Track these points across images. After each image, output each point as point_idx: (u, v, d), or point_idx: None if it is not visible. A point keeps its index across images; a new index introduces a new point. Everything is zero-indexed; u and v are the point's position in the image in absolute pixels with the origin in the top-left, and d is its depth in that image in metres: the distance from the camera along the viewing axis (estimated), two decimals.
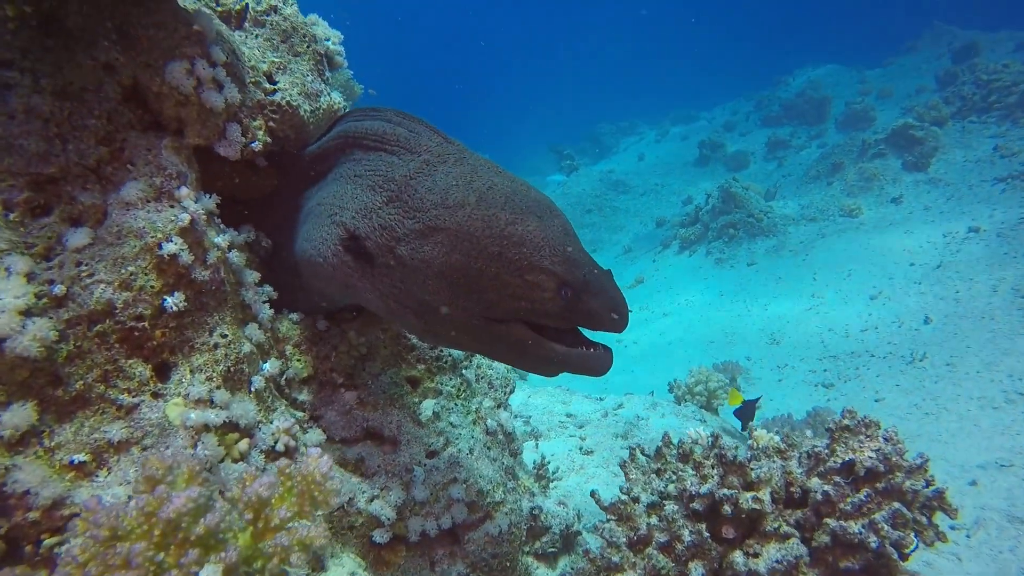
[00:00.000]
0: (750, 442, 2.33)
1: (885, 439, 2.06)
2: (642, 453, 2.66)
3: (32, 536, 1.65)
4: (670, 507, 2.10)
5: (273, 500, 1.39)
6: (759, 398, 5.81)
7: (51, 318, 1.78)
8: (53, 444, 1.75)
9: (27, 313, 1.71)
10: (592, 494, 2.46)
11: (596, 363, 1.89)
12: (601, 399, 5.80)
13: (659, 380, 9.40)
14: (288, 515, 1.38)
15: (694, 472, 2.17)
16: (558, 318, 1.87)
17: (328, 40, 3.67)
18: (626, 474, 2.45)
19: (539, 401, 5.42)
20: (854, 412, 2.15)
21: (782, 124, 20.45)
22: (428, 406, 2.97)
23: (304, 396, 2.75)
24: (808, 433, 2.28)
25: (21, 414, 1.68)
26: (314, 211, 2.37)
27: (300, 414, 2.70)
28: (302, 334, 2.79)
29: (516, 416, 5.11)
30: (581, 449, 4.60)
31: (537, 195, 2.03)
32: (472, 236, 1.88)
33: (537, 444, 4.55)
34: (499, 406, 3.34)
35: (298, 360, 2.76)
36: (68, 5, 1.93)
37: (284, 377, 2.71)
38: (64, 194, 1.98)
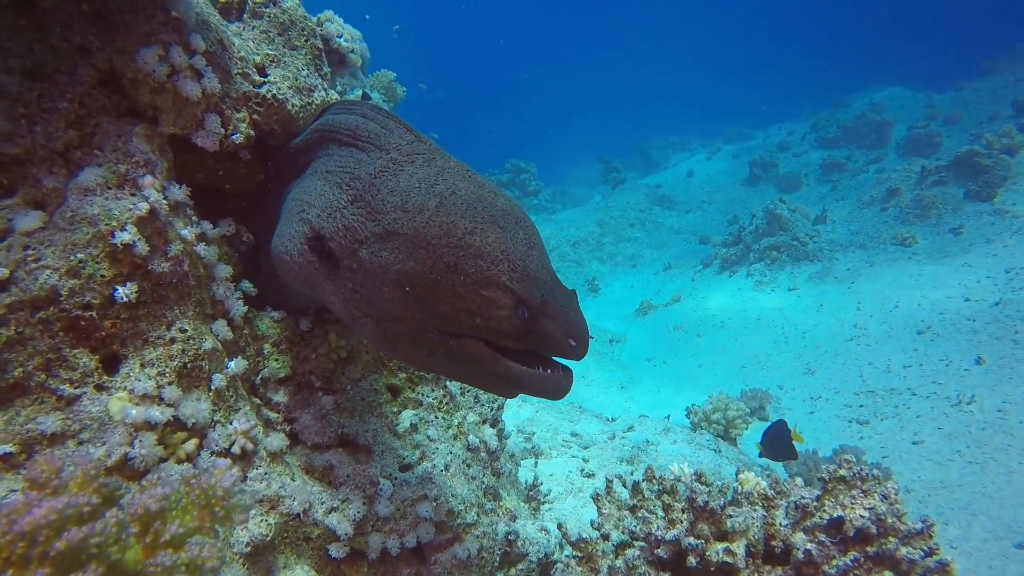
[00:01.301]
0: (735, 485, 2.13)
1: (883, 496, 1.83)
2: (622, 485, 2.47)
3: None
4: (633, 551, 1.92)
5: (166, 513, 1.29)
6: (788, 425, 5.32)
7: None
8: None
9: None
10: (559, 527, 2.30)
11: (553, 386, 1.74)
12: (612, 420, 5.58)
13: (685, 402, 9.10)
14: (180, 531, 1.28)
15: (663, 514, 1.98)
16: (514, 339, 1.73)
17: (340, 37, 3.62)
18: (598, 508, 2.27)
19: (546, 418, 5.25)
20: (851, 461, 1.93)
21: (839, 146, 19.70)
22: (407, 417, 2.86)
23: (280, 397, 2.67)
24: (799, 481, 2.06)
25: None
26: (287, 206, 2.30)
27: (274, 415, 2.62)
28: (282, 333, 2.71)
29: (518, 432, 4.95)
30: (583, 471, 4.41)
31: (505, 204, 1.89)
32: (428, 244, 1.76)
33: (536, 463, 4.39)
34: (484, 422, 3.20)
35: (276, 360, 2.69)
36: None
37: (260, 376, 2.64)
38: (29, 176, 1.94)
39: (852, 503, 1.82)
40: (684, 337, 11.96)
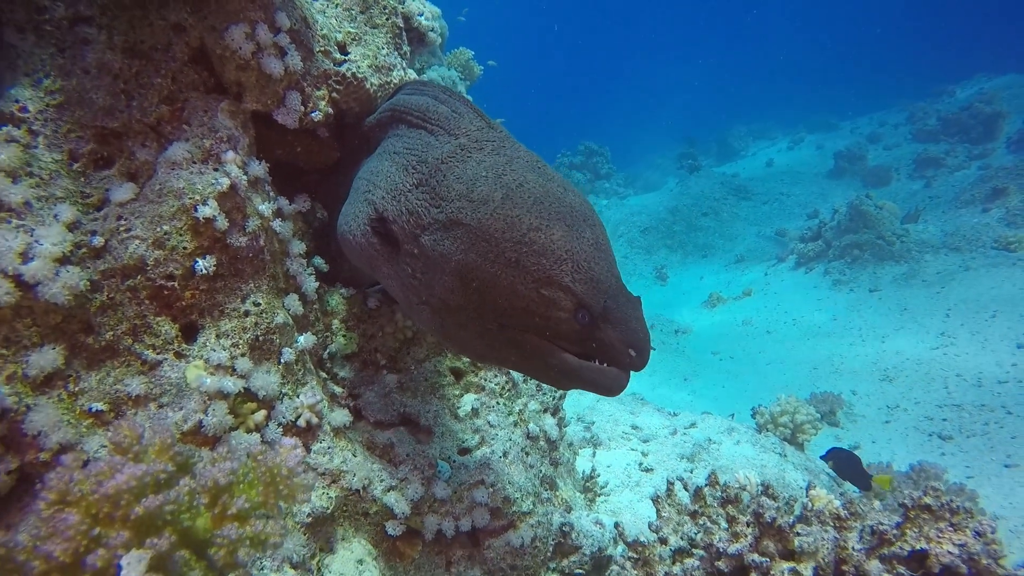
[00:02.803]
0: (805, 501, 2.01)
1: (976, 533, 1.68)
2: (684, 487, 2.39)
3: (42, 475, 1.71)
4: (692, 561, 1.85)
5: (234, 487, 1.33)
6: (860, 461, 5.03)
7: (87, 268, 1.83)
8: (77, 389, 1.80)
9: (63, 261, 1.76)
10: (616, 525, 2.25)
11: (610, 381, 1.68)
12: (674, 415, 5.45)
13: (750, 400, 8.78)
14: (247, 506, 1.31)
15: (727, 525, 1.90)
16: (571, 342, 1.67)
17: (422, 15, 3.60)
18: (658, 510, 2.21)
19: (607, 407, 5.17)
20: (939, 490, 1.78)
21: (937, 140, 18.28)
22: (468, 401, 2.87)
23: (346, 372, 2.73)
24: (876, 504, 1.92)
25: (48, 356, 1.74)
26: (355, 185, 2.31)
27: (339, 390, 2.68)
28: (350, 310, 2.76)
29: (578, 420, 4.90)
30: (641, 465, 4.32)
31: (574, 199, 1.82)
32: (491, 237, 1.71)
33: (595, 453, 4.33)
34: (546, 410, 3.17)
35: (343, 336, 2.74)
36: None
37: (327, 351, 2.70)
38: (125, 149, 2.03)
39: (939, 536, 1.68)
40: (753, 332, 11.54)
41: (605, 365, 1.66)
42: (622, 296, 1.69)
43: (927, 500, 1.78)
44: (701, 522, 2.07)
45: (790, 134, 24.76)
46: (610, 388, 1.68)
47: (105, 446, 1.81)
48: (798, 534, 1.81)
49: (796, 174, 20.17)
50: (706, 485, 2.29)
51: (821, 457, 5.02)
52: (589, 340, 1.64)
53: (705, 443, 4.65)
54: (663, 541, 2.10)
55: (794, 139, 23.64)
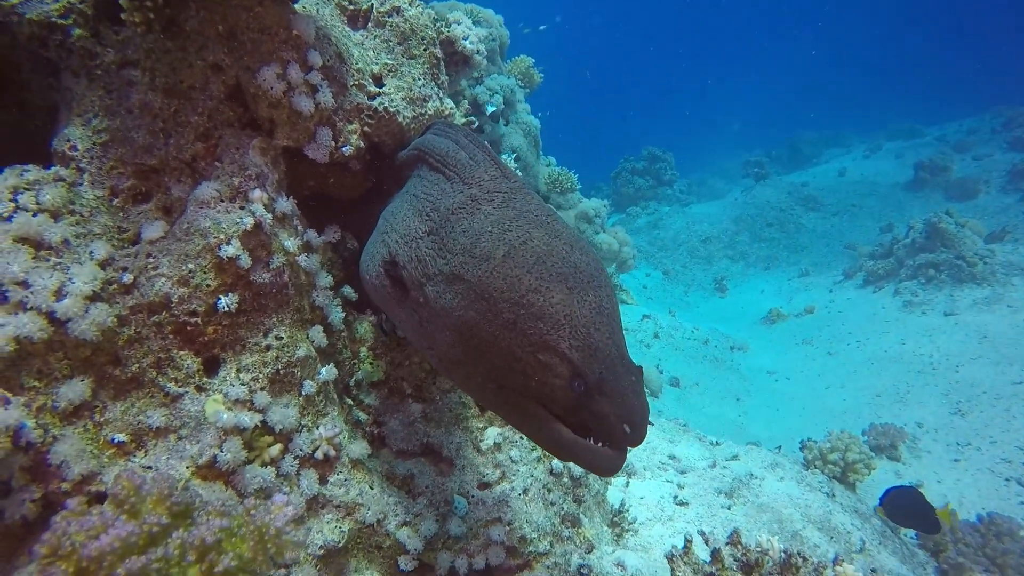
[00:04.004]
0: (831, 574, 1.89)
1: None
2: (705, 541, 2.29)
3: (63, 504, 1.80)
4: None
5: (224, 543, 1.35)
6: (921, 495, 4.64)
7: (116, 303, 1.91)
8: (103, 420, 1.88)
9: (93, 298, 1.84)
10: None
11: (603, 462, 1.61)
12: (716, 444, 5.25)
13: (805, 427, 8.38)
14: (233, 564, 1.33)
15: None
16: (566, 410, 1.62)
17: (467, 39, 3.61)
18: (672, 569, 2.12)
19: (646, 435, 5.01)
20: None
21: None
22: (491, 434, 2.84)
23: (372, 400, 2.76)
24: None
25: (77, 388, 1.82)
26: (379, 223, 2.33)
27: (364, 416, 2.71)
28: (378, 338, 2.78)
29: None
30: (676, 498, 4.18)
31: (580, 259, 1.75)
32: (490, 296, 1.68)
33: (628, 483, 4.23)
34: None
35: (370, 363, 2.77)
36: (187, 10, 2.03)
37: (354, 379, 2.74)
38: (162, 184, 2.11)
39: None
40: (813, 353, 11.01)
41: (600, 444, 1.60)
42: (621, 366, 1.61)
43: None
44: None
45: (867, 141, 23.52)
46: (603, 469, 1.61)
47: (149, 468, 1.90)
48: None
49: (871, 184, 19.13)
50: (726, 544, 2.19)
51: (876, 507, 4.70)
52: (583, 410, 1.58)
53: (746, 478, 4.46)
54: None
55: (871, 146, 22.43)
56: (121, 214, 2.06)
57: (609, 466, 1.60)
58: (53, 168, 2.00)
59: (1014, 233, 12.70)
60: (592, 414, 1.57)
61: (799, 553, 2.01)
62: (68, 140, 2.04)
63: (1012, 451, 7.34)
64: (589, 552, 2.93)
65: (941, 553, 4.69)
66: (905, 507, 4.62)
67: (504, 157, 7.20)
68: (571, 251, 1.75)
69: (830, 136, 25.08)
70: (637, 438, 1.56)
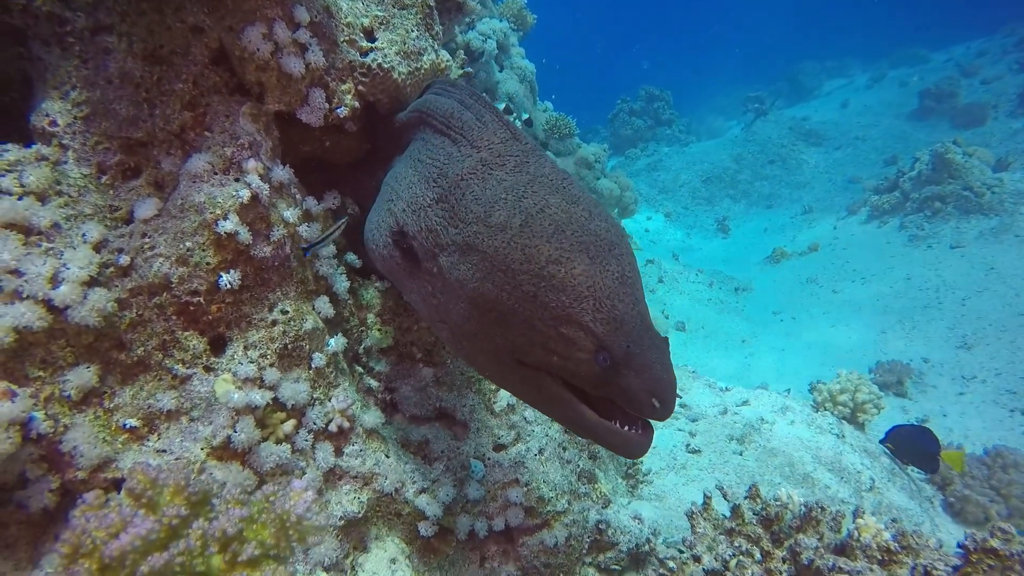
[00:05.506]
0: (851, 527, 1.89)
1: None
2: (724, 496, 2.30)
3: (83, 492, 1.78)
4: None
5: (246, 531, 1.33)
6: (933, 434, 4.66)
7: (115, 287, 1.84)
8: (112, 405, 1.85)
9: (91, 283, 1.78)
10: (650, 537, 2.18)
11: (628, 446, 1.57)
12: (726, 390, 5.28)
13: (811, 367, 8.44)
14: (256, 553, 1.31)
15: (760, 559, 1.80)
16: (591, 385, 1.56)
17: None
18: (693, 526, 2.13)
19: None
20: (1009, 534, 1.63)
21: None
22: (504, 395, 2.82)
23: (382, 367, 2.73)
24: (932, 542, 1.77)
25: (83, 375, 1.78)
26: (382, 190, 2.23)
27: (375, 383, 2.69)
28: (385, 303, 2.73)
29: None
30: (688, 446, 4.22)
31: (600, 226, 1.67)
32: (508, 267, 1.60)
33: None
34: None
35: (379, 330, 2.72)
36: None
37: (363, 346, 2.70)
38: (151, 158, 2.01)
39: None
40: (818, 291, 10.99)
41: (625, 424, 1.55)
42: (647, 338, 1.56)
43: (994, 543, 1.62)
44: (737, 543, 1.98)
45: (870, 70, 22.85)
46: (630, 453, 1.58)
47: (164, 452, 1.88)
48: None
49: (874, 115, 18.69)
50: (745, 499, 2.19)
51: (880, 441, 4.77)
52: (609, 385, 1.53)
53: (757, 423, 4.49)
54: (696, 559, 2.02)
55: (874, 75, 21.80)
56: (111, 192, 1.97)
57: (636, 450, 1.57)
58: (34, 146, 1.89)
59: (1022, 159, 12.45)
60: (619, 388, 1.52)
61: (819, 504, 2.01)
62: (47, 115, 1.93)
63: (1017, 382, 7.41)
64: (606, 507, 2.96)
65: (948, 487, 4.77)
66: (909, 444, 4.68)
67: (500, 105, 6.98)
68: (591, 218, 1.67)
69: (832, 67, 24.35)
70: (666, 412, 1.52)
